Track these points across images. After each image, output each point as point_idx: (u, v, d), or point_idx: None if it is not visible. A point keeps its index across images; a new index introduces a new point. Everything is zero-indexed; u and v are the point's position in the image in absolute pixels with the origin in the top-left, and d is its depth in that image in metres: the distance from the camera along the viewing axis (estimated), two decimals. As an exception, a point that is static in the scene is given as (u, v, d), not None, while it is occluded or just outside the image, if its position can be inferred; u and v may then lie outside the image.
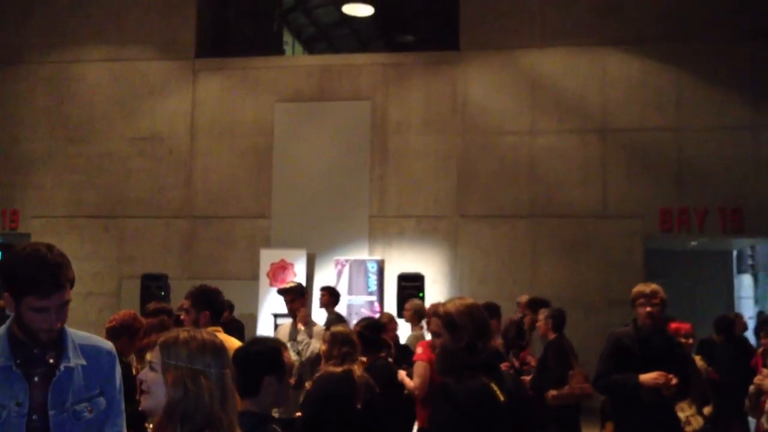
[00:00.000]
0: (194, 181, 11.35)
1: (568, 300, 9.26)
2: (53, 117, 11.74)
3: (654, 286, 4.45)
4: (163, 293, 9.49)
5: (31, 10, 11.96)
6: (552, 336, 5.94)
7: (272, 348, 2.78)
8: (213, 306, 4.17)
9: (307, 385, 4.46)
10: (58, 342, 2.44)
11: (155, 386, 2.01)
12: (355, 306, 9.99)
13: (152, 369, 2.04)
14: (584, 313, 9.51)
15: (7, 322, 2.45)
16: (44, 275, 2.29)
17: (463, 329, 2.88)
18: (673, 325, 5.54)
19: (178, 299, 8.32)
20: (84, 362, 2.45)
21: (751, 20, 10.25)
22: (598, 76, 10.62)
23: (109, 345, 2.61)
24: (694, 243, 11.18)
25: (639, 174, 10.38)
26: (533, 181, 10.60)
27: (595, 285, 10.04)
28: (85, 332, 2.60)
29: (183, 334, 2.07)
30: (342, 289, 10.05)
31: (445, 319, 2.95)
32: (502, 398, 2.76)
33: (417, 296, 9.22)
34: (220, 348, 2.08)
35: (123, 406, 2.60)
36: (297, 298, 5.77)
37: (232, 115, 11.38)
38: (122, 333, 4.20)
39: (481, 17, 10.99)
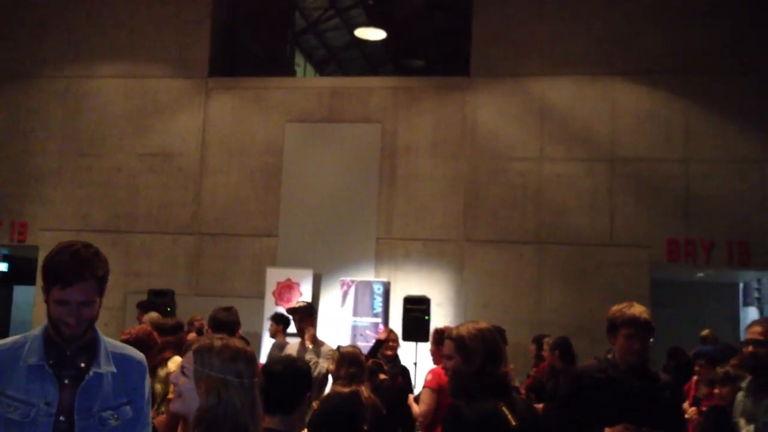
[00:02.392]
0: (203, 199, 11.41)
1: (573, 328, 9.26)
2: (65, 131, 11.83)
3: (646, 314, 3.50)
4: (169, 309, 9.50)
5: (46, 24, 12.11)
6: (560, 365, 5.89)
7: (309, 367, 2.82)
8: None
9: (315, 405, 4.49)
10: (91, 347, 2.47)
11: (187, 392, 2.04)
12: (359, 327, 9.99)
13: (184, 374, 2.06)
14: (589, 341, 9.48)
15: (43, 324, 2.49)
16: (68, 266, 2.34)
17: (475, 353, 2.89)
18: None
19: (184, 315, 8.37)
20: (114, 370, 2.48)
21: (761, 53, 10.32)
22: (607, 105, 10.69)
23: (140, 356, 2.64)
24: (700, 274, 11.17)
25: (646, 204, 10.40)
26: (540, 208, 10.63)
27: (601, 313, 9.90)
28: (118, 342, 2.64)
29: (217, 342, 2.09)
30: (347, 310, 10.07)
31: (457, 342, 2.95)
32: (513, 422, 2.74)
33: (423, 319, 9.24)
34: (252, 358, 2.10)
35: (150, 418, 2.61)
36: (305, 317, 5.81)
37: (243, 134, 11.46)
38: (134, 346, 4.22)
39: (492, 44, 11.08)
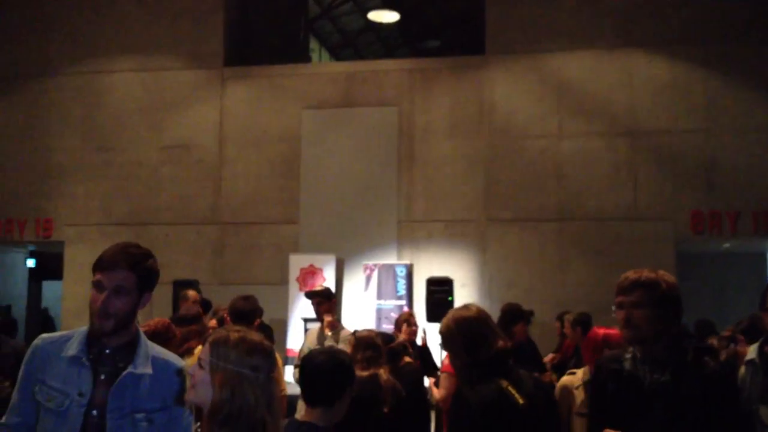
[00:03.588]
0: (223, 188, 11.46)
1: (597, 304, 9.16)
2: (84, 127, 11.92)
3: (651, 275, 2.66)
4: (194, 299, 9.57)
5: (60, 21, 12.17)
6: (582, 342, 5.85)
7: (350, 359, 2.82)
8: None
9: None
10: (131, 347, 2.50)
11: (201, 384, 2.03)
12: (384, 310, 10.01)
13: (200, 366, 2.05)
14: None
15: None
16: (108, 252, 2.43)
17: (456, 346, 2.80)
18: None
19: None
20: (151, 372, 2.48)
21: (782, 19, 10.14)
22: (625, 78, 10.55)
23: (181, 363, 2.64)
24: (726, 245, 11.05)
25: (669, 176, 10.29)
26: (561, 185, 10.55)
27: (626, 288, 9.92)
28: (162, 348, 2.66)
29: (234, 334, 2.07)
30: (371, 293, 10.09)
31: (441, 339, 2.89)
32: (520, 401, 2.64)
33: (447, 300, 9.23)
34: (269, 351, 2.08)
35: (191, 426, 2.58)
36: (324, 301, 5.80)
37: (260, 122, 11.48)
38: (152, 339, 4.26)
39: (507, 21, 10.98)
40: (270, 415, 2.00)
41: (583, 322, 6.03)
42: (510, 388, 2.65)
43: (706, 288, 11.28)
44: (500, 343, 2.77)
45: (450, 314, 2.91)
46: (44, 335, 2.57)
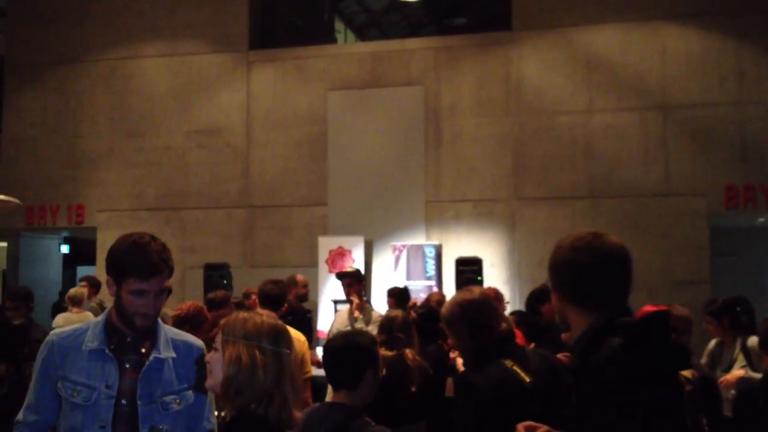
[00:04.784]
0: (252, 172, 11.50)
1: (630, 281, 9.09)
2: (113, 113, 12.03)
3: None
4: (225, 281, 9.67)
5: (88, 9, 12.25)
6: None
7: (371, 340, 2.82)
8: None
9: None
10: (152, 333, 2.52)
11: (215, 365, 2.08)
12: (413, 291, 9.97)
13: (215, 350, 2.11)
14: (648, 294, 9.31)
15: (105, 311, 2.55)
16: (146, 259, 2.40)
17: (459, 330, 2.80)
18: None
19: (239, 287, 8.50)
20: (174, 355, 2.53)
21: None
22: (656, 51, 10.35)
23: (200, 343, 2.69)
24: (761, 219, 10.85)
25: (702, 150, 10.10)
26: (591, 161, 10.41)
27: (659, 266, 9.82)
28: (177, 329, 2.71)
29: (242, 314, 2.14)
30: (400, 274, 10.08)
31: (445, 323, 2.88)
32: (527, 379, 2.61)
33: (476, 280, 9.19)
34: (277, 328, 2.12)
35: (213, 404, 2.64)
36: (354, 282, 5.82)
37: (286, 105, 11.48)
38: (185, 322, 4.31)
39: (534, -4, 10.81)
40: (278, 390, 2.02)
41: None
42: (516, 367, 2.64)
43: (740, 263, 11.10)
44: (503, 325, 2.79)
45: (453, 298, 2.91)
46: (56, 330, 2.58)
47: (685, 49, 10.26)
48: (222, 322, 2.14)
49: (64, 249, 13.97)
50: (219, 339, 2.10)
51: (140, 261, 2.39)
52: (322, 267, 10.32)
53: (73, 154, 12.03)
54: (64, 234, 13.40)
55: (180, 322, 4.25)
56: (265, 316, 2.14)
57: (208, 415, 2.61)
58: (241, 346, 2.04)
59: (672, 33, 10.32)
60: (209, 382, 2.12)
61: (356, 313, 5.70)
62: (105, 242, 11.44)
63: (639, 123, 10.32)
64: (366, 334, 2.94)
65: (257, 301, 5.04)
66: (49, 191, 12.01)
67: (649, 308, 3.66)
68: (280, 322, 2.15)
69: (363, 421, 2.58)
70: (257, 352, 2.03)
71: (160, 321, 2.58)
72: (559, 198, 10.45)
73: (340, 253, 10.31)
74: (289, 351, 2.11)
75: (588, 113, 10.48)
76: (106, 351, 2.45)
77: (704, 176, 10.04)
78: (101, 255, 11.58)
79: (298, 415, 2.08)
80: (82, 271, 13.77)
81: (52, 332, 2.58)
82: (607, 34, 10.53)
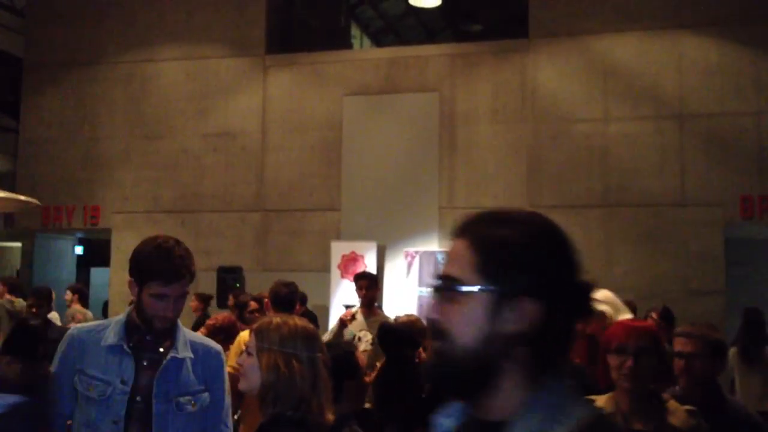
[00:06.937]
0: (266, 176, 11.54)
1: (645, 291, 9.05)
2: (130, 116, 12.10)
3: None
4: (238, 285, 9.70)
5: (106, 11, 12.35)
6: None
7: (346, 352, 2.83)
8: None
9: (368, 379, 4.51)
10: (171, 334, 2.54)
11: (250, 369, 2.11)
12: (425, 297, 9.98)
13: (248, 353, 2.13)
14: (663, 304, 9.26)
15: (127, 310, 2.58)
16: (169, 264, 2.42)
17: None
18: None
19: (252, 290, 8.51)
20: (191, 356, 2.54)
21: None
22: (673, 60, 10.31)
23: (218, 347, 2.72)
24: (777, 231, 10.77)
25: (718, 160, 10.04)
26: (607, 170, 10.37)
27: (674, 276, 9.76)
28: (196, 333, 2.75)
29: (276, 320, 2.16)
30: (412, 280, 10.07)
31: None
32: None
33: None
34: (312, 334, 2.15)
35: (229, 408, 2.67)
36: (373, 285, 5.83)
37: (302, 109, 11.51)
38: (219, 333, 4.41)
39: (550, 3, 10.79)
40: (314, 395, 2.05)
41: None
42: None
43: (756, 273, 11.01)
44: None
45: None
46: (78, 325, 2.61)
47: (703, 58, 10.21)
48: (255, 326, 2.16)
49: (79, 250, 14.06)
50: (251, 343, 2.12)
51: (163, 265, 2.41)
52: (335, 272, 10.33)
53: (90, 156, 12.11)
54: (79, 235, 13.48)
55: (214, 332, 4.33)
56: (297, 320, 2.16)
57: (226, 420, 2.62)
58: (278, 354, 2.06)
59: (689, 42, 10.27)
60: (243, 385, 2.14)
61: (348, 323, 5.65)
62: (120, 244, 11.50)
63: (655, 132, 10.27)
64: (341, 345, 2.95)
65: (268, 303, 5.07)
66: (65, 192, 12.10)
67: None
68: (311, 326, 2.18)
69: (351, 429, 2.60)
70: (294, 361, 2.05)
71: (179, 322, 2.60)
72: (573, 206, 10.41)
73: (353, 259, 10.32)
74: (321, 355, 2.13)
75: (604, 122, 10.45)
76: (125, 347, 2.47)
77: (720, 186, 9.97)
78: (116, 256, 11.65)
79: (331, 417, 2.10)
80: (96, 272, 13.85)
81: (74, 326, 2.61)
82: (623, 42, 10.49)
